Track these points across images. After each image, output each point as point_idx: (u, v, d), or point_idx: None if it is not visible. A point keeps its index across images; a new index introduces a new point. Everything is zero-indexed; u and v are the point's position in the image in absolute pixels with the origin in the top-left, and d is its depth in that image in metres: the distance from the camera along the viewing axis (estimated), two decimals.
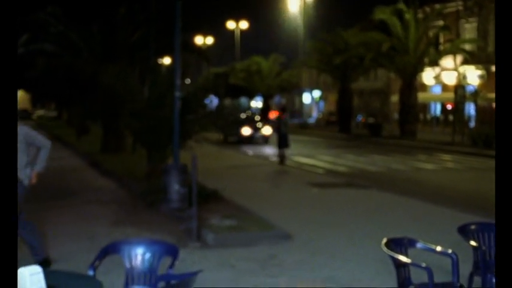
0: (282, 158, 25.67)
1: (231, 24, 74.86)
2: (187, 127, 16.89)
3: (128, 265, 6.14)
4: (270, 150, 33.81)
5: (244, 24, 75.41)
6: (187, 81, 19.21)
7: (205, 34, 64.72)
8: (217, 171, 21.84)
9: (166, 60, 42.21)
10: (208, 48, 67.10)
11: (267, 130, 40.66)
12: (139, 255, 6.16)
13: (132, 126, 18.60)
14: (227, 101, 65.85)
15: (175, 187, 13.78)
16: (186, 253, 10.05)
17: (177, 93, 14.16)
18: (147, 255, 6.16)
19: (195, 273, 5.48)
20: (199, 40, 63.16)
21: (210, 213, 13.11)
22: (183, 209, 13.56)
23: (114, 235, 11.45)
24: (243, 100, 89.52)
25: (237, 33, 76.30)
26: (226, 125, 36.49)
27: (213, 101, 43.31)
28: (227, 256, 10.14)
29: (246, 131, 40.43)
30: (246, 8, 74.76)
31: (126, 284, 6.13)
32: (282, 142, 25.54)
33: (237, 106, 64.44)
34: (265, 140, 40.38)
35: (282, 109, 28.57)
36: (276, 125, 26.71)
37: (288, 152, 26.22)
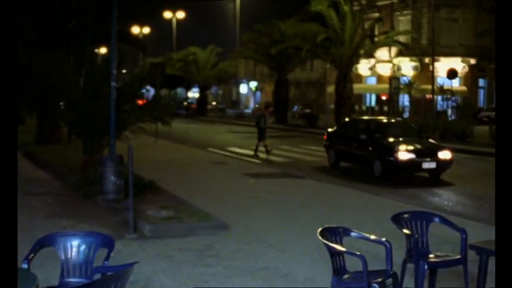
0: (265, 147, 27.18)
1: (167, 14, 74.27)
2: (123, 117, 16.75)
3: (63, 257, 6.09)
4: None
5: (181, 15, 74.93)
6: (124, 71, 19.09)
7: (141, 24, 64.13)
8: (154, 163, 21.71)
9: (103, 50, 41.71)
10: (145, 38, 66.54)
11: (445, 153, 20.10)
12: (74, 248, 6.11)
13: (68, 117, 18.36)
14: (164, 92, 65.36)
15: (111, 178, 13.65)
16: (122, 245, 10.01)
17: (113, 83, 14.02)
18: (83, 247, 6.12)
19: (131, 265, 5.46)
20: (135, 30, 62.60)
21: (146, 204, 13.05)
22: (119, 200, 13.48)
23: (49, 227, 11.30)
24: (180, 90, 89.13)
25: (174, 24, 75.84)
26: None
27: (149, 91, 42.82)
28: (164, 247, 10.12)
29: (404, 154, 19.62)
30: None
31: (62, 277, 6.08)
32: (261, 136, 27.28)
33: (174, 96, 64.08)
34: (439, 171, 20.21)
35: (266, 106, 30.64)
36: (258, 119, 28.14)
37: (229, 142, 26.74)
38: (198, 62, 74.58)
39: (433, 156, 19.78)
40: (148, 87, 36.76)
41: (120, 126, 16.18)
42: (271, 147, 27.71)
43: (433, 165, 19.68)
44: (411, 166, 19.76)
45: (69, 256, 6.08)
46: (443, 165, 19.97)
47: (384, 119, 25.90)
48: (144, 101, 24.58)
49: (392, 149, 19.79)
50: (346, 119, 26.57)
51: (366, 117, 27.04)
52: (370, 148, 20.64)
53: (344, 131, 23.66)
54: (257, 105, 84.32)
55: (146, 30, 67.97)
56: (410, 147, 19.87)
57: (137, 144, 14.88)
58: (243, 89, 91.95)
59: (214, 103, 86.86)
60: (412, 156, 19.53)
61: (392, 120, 25.45)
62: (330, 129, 25.07)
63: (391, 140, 20.75)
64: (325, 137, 24.62)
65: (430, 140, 22.71)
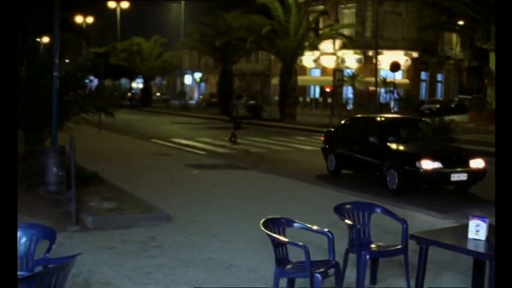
0: (234, 137, 28.54)
1: (112, 4, 73.44)
2: (66, 108, 16.54)
3: None
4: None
5: (125, 4, 74.18)
6: (67, 60, 18.81)
7: (85, 13, 63.30)
8: (97, 154, 21.50)
9: (45, 39, 41.06)
10: (88, 27, 65.71)
11: (477, 162, 15.81)
12: None
13: None
14: (107, 82, 64.69)
15: (53, 169, 13.48)
16: (64, 237, 9.90)
17: (55, 73, 13.83)
18: (23, 240, 6.05)
19: (73, 257, 5.42)
20: (79, 19, 61.79)
21: (89, 196, 12.93)
22: (61, 191, 13.31)
23: None
24: (124, 81, 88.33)
25: (118, 13, 75.04)
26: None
27: (93, 81, 42.37)
28: (107, 238, 10.04)
29: (428, 163, 15.25)
30: None
31: None
32: (235, 124, 29.07)
33: (118, 87, 63.34)
34: (470, 184, 16.15)
35: (238, 97, 32.89)
36: (230, 109, 29.86)
37: (174, 134, 26.72)
38: (142, 52, 74.05)
39: (464, 166, 15.64)
40: (91, 77, 36.30)
41: (62, 117, 15.98)
42: (215, 138, 27.87)
43: (463, 176, 15.50)
44: (437, 178, 15.56)
45: None
46: (475, 177, 15.75)
47: (399, 117, 21.71)
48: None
49: (413, 156, 15.67)
50: (348, 118, 22.02)
51: (375, 115, 20.87)
52: (382, 154, 16.45)
53: (347, 132, 19.16)
54: (201, 96, 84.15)
55: (90, 19, 67.08)
56: (436, 154, 15.77)
57: (80, 135, 14.74)
58: (188, 80, 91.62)
59: (158, 94, 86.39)
60: (438, 165, 15.34)
61: (409, 119, 21.05)
62: (329, 129, 21.08)
63: (409, 144, 16.78)
64: (323, 138, 20.28)
65: (457, 145, 17.99)
